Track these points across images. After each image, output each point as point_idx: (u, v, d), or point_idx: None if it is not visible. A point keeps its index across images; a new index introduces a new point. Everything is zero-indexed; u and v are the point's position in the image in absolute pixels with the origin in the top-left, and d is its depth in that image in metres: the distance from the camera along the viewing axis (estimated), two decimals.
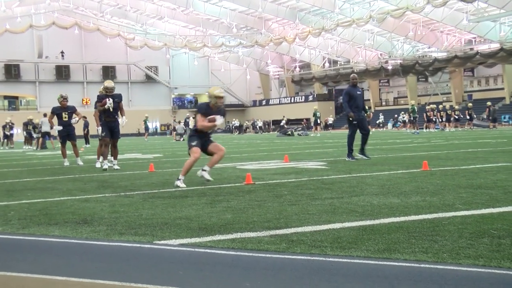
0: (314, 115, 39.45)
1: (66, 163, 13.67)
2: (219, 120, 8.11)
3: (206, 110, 8.21)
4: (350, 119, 12.13)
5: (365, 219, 4.80)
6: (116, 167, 11.62)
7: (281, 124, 58.44)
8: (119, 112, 11.72)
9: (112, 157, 11.84)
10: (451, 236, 3.97)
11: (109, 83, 11.73)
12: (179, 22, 65.14)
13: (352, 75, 12.80)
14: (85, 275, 3.25)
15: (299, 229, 4.46)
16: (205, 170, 8.21)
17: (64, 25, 63.32)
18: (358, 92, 12.37)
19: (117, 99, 11.63)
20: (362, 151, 12.19)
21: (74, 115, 13.71)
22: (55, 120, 13.97)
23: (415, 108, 36.86)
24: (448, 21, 48.35)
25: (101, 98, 11.58)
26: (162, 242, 4.14)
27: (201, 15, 61.46)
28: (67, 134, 13.84)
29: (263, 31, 61.82)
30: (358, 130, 12.20)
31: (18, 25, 61.06)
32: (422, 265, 3.26)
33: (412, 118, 37.17)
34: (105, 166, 11.52)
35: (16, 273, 3.35)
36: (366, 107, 12.83)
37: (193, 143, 8.14)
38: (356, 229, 4.38)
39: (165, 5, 60.13)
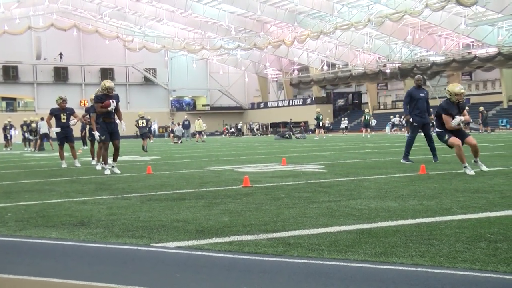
0: (317, 118, 39.10)
1: (64, 165, 13.61)
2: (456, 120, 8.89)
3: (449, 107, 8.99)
4: (411, 121, 11.88)
5: (362, 223, 4.81)
6: (116, 170, 11.17)
7: (289, 125, 58.12)
8: (116, 114, 11.29)
9: (112, 160, 11.42)
10: (448, 240, 3.97)
11: (109, 83, 11.20)
12: (177, 24, 65.20)
13: (416, 76, 12.22)
14: (82, 277, 3.25)
15: (296, 232, 4.46)
16: None
17: (62, 27, 63.36)
18: (422, 94, 11.76)
19: (116, 99, 11.21)
20: (434, 157, 11.73)
21: (72, 117, 13.70)
22: (53, 122, 13.95)
23: None
24: (446, 25, 48.45)
25: (101, 99, 11.03)
26: (159, 244, 4.14)
27: (200, 18, 61.52)
28: (65, 136, 13.82)
29: (261, 34, 61.90)
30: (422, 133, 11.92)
31: (17, 26, 61.07)
32: (419, 269, 3.26)
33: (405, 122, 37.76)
34: (107, 172, 11.03)
35: (13, 275, 3.35)
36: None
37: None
38: (353, 233, 4.38)
39: (164, 7, 60.19)
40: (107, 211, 5.86)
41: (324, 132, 41.66)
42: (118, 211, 5.87)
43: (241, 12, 58.53)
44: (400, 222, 4.77)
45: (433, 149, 11.88)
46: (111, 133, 11.23)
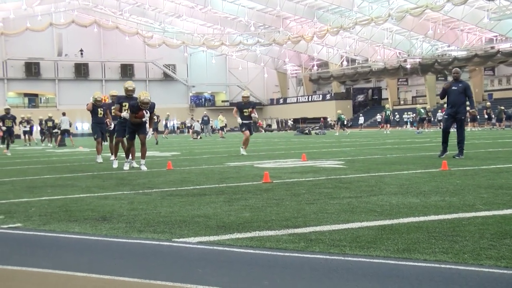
0: (339, 118, 39.40)
1: (100, 160, 13.63)
2: None
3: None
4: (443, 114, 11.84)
5: (384, 219, 4.77)
6: (143, 168, 10.88)
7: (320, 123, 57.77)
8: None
9: (130, 157, 11.42)
10: (472, 237, 3.92)
11: (145, 96, 10.86)
12: (197, 20, 65.34)
13: (454, 69, 12.08)
14: (105, 271, 3.27)
15: (318, 228, 4.45)
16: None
17: (83, 23, 63.94)
18: (454, 87, 11.56)
19: (151, 109, 11.11)
20: (459, 153, 11.43)
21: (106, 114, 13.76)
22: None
23: (421, 110, 39.40)
24: (469, 19, 47.84)
25: (135, 109, 10.84)
26: (181, 240, 4.15)
27: (219, 14, 61.56)
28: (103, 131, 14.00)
29: (281, 30, 61.75)
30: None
31: (39, 23, 61.77)
32: (443, 266, 3.22)
33: (421, 119, 39.10)
34: (126, 167, 11.15)
35: (38, 268, 3.39)
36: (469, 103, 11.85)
37: None
38: (375, 229, 4.35)
39: (184, 3, 60.34)
40: (129, 206, 5.90)
41: (346, 128, 41.59)
42: (140, 206, 5.90)
43: (261, 8, 58.44)
44: (422, 219, 4.72)
45: (460, 144, 11.52)
46: (134, 130, 11.20)
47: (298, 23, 62.12)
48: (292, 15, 58.97)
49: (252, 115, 15.40)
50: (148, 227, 4.68)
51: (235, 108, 16.00)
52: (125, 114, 11.27)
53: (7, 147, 20.72)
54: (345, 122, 38.59)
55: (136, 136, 11.22)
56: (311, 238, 4.08)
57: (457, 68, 12.25)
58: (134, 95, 11.62)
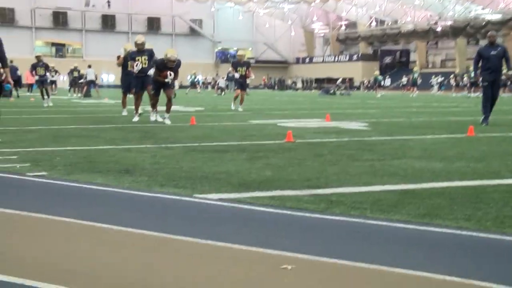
0: (376, 79, 39.34)
1: (125, 113, 13.39)
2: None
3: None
4: (479, 81, 11.39)
5: (406, 183, 4.73)
6: (167, 121, 11.01)
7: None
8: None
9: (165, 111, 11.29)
10: (495, 204, 3.87)
11: (172, 53, 10.85)
12: None
13: (489, 33, 11.62)
14: (126, 224, 3.31)
15: (339, 190, 4.43)
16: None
17: None
18: (493, 52, 10.96)
19: (176, 67, 11.01)
20: (485, 119, 11.02)
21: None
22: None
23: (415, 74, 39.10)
24: None
25: (161, 68, 10.78)
26: (202, 195, 4.17)
27: None
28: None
29: None
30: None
31: None
32: (464, 232, 3.19)
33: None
34: (153, 118, 11.48)
35: (61, 217, 3.44)
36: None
37: None
38: (397, 193, 4.31)
39: None
40: (151, 160, 5.94)
41: (379, 89, 40.75)
42: (162, 160, 5.94)
43: None
44: (445, 184, 4.67)
45: (489, 111, 11.12)
46: (160, 86, 11.17)
47: None
48: None
49: (248, 77, 15.96)
50: (169, 182, 4.71)
51: (231, 66, 16.65)
52: (138, 67, 11.37)
53: (44, 97, 19.02)
54: (382, 83, 38.15)
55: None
56: (332, 199, 4.07)
57: (493, 31, 11.79)
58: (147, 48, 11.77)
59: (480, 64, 11.15)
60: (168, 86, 11.13)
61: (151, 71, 11.05)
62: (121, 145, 7.31)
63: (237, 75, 15.95)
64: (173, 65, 10.81)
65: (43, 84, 19.53)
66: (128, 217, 3.52)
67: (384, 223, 3.43)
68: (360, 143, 7.81)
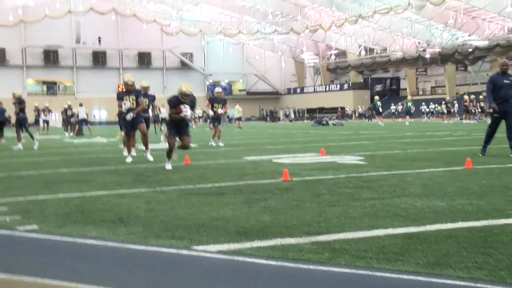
0: (375, 105, 38.12)
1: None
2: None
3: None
4: (491, 111, 11.07)
5: (410, 225, 4.59)
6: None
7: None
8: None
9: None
10: (506, 249, 3.72)
11: (186, 88, 9.89)
12: (214, 8, 65.04)
13: (502, 61, 11.26)
14: (124, 285, 3.14)
15: (341, 236, 4.28)
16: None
17: (101, 11, 63.86)
18: (506, 81, 10.66)
19: (191, 103, 10.69)
20: None
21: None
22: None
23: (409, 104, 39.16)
24: (491, 8, 46.95)
25: (174, 104, 9.74)
26: (200, 248, 4.01)
27: (237, 1, 61.23)
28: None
29: (298, 18, 61.21)
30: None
31: (57, 10, 61.83)
32: (479, 285, 3.03)
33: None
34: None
35: (56, 280, 3.27)
36: None
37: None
38: (402, 237, 4.17)
39: None
40: (146, 206, 5.78)
41: (378, 117, 39.73)
42: (157, 206, 5.78)
43: None
44: (450, 226, 4.53)
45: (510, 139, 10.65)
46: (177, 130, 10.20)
47: (316, 12, 61.53)
48: (310, 4, 58.42)
49: (221, 111, 16.54)
50: (166, 232, 4.55)
51: (207, 102, 16.73)
52: (126, 106, 11.33)
53: (19, 138, 16.96)
54: (380, 110, 37.43)
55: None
56: (335, 247, 3.92)
57: (506, 60, 11.64)
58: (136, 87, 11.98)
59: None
60: (186, 131, 9.92)
61: (127, 106, 11.27)
62: (114, 190, 7.14)
63: (211, 113, 16.50)
64: (187, 100, 9.87)
65: (21, 123, 17.17)
66: (125, 277, 3.35)
67: (392, 275, 3.26)
68: (357, 179, 7.69)
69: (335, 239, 4.17)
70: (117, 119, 13.24)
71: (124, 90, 11.69)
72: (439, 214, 5.04)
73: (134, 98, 11.48)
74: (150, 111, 14.02)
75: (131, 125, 11.60)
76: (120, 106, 11.60)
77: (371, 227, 4.58)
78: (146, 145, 11.70)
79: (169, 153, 9.89)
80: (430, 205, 5.48)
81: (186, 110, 9.67)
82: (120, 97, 11.61)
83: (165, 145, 11.23)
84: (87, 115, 30.08)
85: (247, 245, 4.06)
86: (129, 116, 11.33)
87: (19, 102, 16.87)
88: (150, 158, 11.38)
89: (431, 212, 5.13)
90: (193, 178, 8.26)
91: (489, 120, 11.84)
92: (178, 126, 9.84)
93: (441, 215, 4.97)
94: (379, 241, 4.09)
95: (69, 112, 31.67)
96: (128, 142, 11.74)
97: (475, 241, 3.97)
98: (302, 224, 4.72)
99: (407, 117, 38.64)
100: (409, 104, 39.14)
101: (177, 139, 9.92)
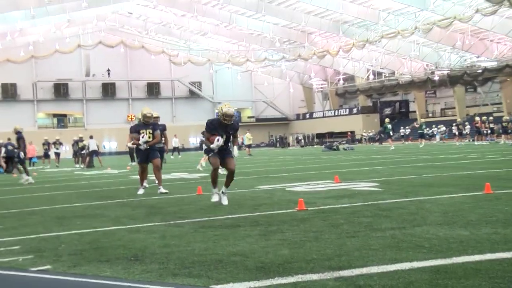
0: (385, 128, 37.48)
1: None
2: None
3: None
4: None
5: (434, 257, 4.42)
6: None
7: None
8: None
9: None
10: None
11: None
12: (222, 37, 65.56)
13: None
14: None
15: (364, 270, 4.12)
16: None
17: (110, 44, 64.66)
18: None
19: (234, 129, 9.00)
20: None
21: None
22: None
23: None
24: (498, 29, 46.92)
25: (211, 126, 8.93)
26: (219, 287, 3.87)
27: (244, 30, 61.68)
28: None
29: (306, 45, 61.50)
30: None
31: (67, 45, 62.68)
32: None
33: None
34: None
35: None
36: None
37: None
38: (428, 271, 4.00)
39: (208, 21, 60.61)
40: (161, 242, 5.65)
41: (390, 141, 39.07)
42: (172, 241, 5.64)
43: (285, 23, 58.34)
44: (477, 257, 4.35)
45: None
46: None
47: (323, 38, 61.82)
48: (317, 30, 58.71)
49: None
50: (182, 269, 4.41)
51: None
52: (144, 139, 11.29)
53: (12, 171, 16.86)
54: (391, 133, 36.88)
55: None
56: (359, 284, 3.76)
57: None
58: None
59: None
60: (229, 156, 9.00)
61: (143, 140, 11.25)
62: (128, 225, 7.02)
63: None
64: (230, 122, 8.68)
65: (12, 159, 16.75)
66: None
67: None
68: (375, 207, 7.51)
69: (358, 275, 4.01)
70: (127, 150, 13.28)
71: (142, 122, 11.56)
72: (464, 244, 4.86)
73: (151, 131, 11.42)
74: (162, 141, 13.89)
75: (146, 157, 11.50)
76: (132, 138, 11.52)
77: (394, 260, 4.41)
78: (159, 179, 11.46)
79: (214, 178, 8.97)
80: (454, 235, 5.30)
81: (218, 143, 8.61)
82: (137, 130, 11.50)
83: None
84: (97, 146, 30.13)
85: (267, 282, 3.91)
86: (143, 147, 11.28)
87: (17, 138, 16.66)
88: (163, 190, 11.21)
89: (455, 243, 4.95)
90: (207, 210, 8.13)
91: (502, 141, 11.65)
92: (222, 154, 8.89)
93: (467, 246, 4.78)
94: (405, 275, 3.92)
95: (80, 144, 31.74)
96: (142, 174, 11.66)
97: (508, 276, 3.78)
98: (323, 258, 4.57)
99: (421, 139, 38.44)
100: (423, 126, 38.88)
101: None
